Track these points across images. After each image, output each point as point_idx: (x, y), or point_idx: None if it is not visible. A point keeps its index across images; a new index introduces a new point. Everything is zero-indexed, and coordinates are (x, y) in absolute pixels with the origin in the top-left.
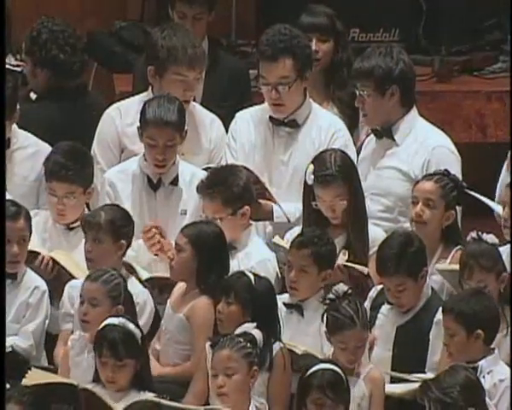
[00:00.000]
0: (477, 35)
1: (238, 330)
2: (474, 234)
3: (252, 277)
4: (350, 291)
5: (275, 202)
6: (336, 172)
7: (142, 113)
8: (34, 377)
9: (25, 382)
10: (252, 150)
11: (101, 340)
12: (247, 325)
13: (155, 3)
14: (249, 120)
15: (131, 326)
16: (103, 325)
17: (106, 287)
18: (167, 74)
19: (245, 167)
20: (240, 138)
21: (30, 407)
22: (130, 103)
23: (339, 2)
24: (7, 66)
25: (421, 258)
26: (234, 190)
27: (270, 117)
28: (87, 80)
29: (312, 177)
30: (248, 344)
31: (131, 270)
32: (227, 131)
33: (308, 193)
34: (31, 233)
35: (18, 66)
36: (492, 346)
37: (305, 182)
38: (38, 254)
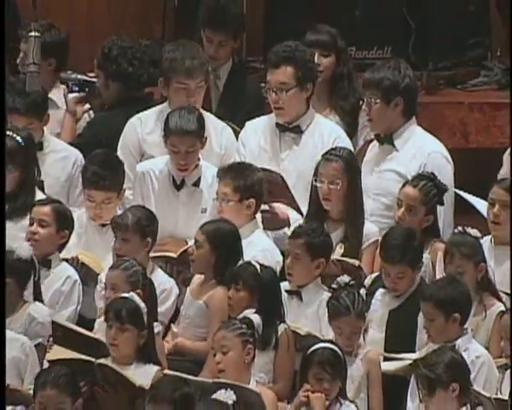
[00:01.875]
0: (460, 52)
1: (240, 316)
2: (460, 228)
3: (258, 266)
4: (351, 283)
5: (297, 207)
6: (340, 157)
7: (166, 123)
8: (56, 354)
9: (48, 356)
10: (260, 153)
11: (108, 307)
12: (247, 311)
13: (174, 24)
14: (258, 127)
15: (137, 299)
16: (114, 297)
17: (125, 273)
18: (171, 84)
19: (273, 171)
20: (249, 144)
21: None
22: (150, 113)
23: (338, 22)
24: (82, 77)
25: (421, 251)
26: (246, 181)
27: (277, 124)
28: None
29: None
30: (243, 326)
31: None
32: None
33: (314, 192)
34: (58, 226)
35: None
36: (471, 329)
37: (312, 182)
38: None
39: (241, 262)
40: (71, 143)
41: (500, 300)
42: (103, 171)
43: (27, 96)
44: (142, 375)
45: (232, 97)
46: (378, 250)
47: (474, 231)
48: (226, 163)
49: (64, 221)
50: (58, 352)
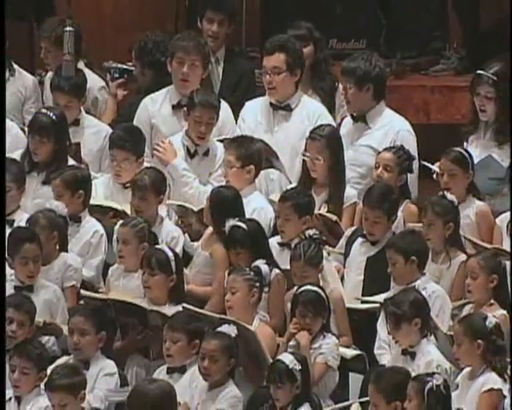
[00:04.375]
0: (423, 44)
1: (252, 265)
2: (440, 193)
3: (244, 225)
4: (315, 236)
5: (284, 173)
6: (322, 136)
7: (191, 98)
8: (116, 295)
9: (111, 296)
10: (257, 127)
11: (143, 257)
12: (259, 261)
13: (186, 19)
14: (255, 106)
15: (166, 250)
16: (148, 248)
17: (134, 229)
18: (173, 60)
19: (263, 142)
20: (248, 120)
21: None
22: (160, 93)
23: (322, 18)
24: (122, 66)
25: (396, 205)
26: (246, 150)
27: (270, 103)
28: None
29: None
30: (251, 273)
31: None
32: (237, 115)
33: (303, 164)
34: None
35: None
36: (435, 277)
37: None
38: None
39: (231, 223)
40: (114, 120)
41: (465, 253)
42: (125, 135)
43: (70, 79)
44: None
45: (230, 79)
46: (359, 207)
47: (450, 197)
48: (223, 133)
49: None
50: (118, 293)
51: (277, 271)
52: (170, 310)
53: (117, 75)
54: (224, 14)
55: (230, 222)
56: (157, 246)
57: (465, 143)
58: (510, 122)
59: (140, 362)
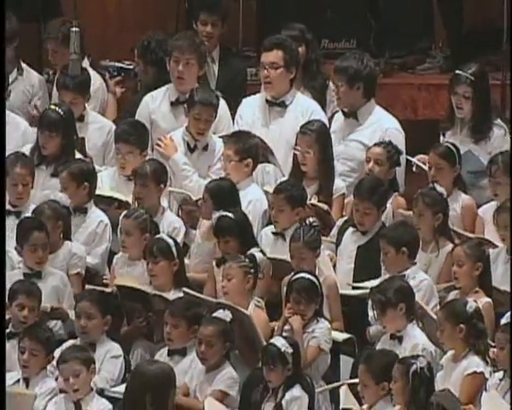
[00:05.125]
0: (411, 44)
1: (248, 253)
2: (431, 185)
3: (231, 215)
4: (314, 224)
5: (279, 167)
6: (312, 131)
7: (191, 96)
8: (121, 281)
9: (117, 282)
10: (254, 122)
11: (145, 247)
12: (254, 249)
13: (186, 20)
14: (252, 103)
15: (166, 238)
16: (149, 239)
17: (136, 221)
18: (171, 59)
19: (260, 139)
20: (245, 116)
21: (95, 303)
22: (159, 91)
23: (315, 20)
24: (119, 64)
25: (385, 197)
26: (244, 145)
27: (266, 100)
28: None
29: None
30: (247, 260)
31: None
32: (230, 110)
33: (295, 157)
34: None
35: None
36: (424, 265)
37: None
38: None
39: (218, 214)
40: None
41: (453, 242)
42: (130, 129)
43: (75, 77)
44: None
45: (225, 77)
46: (349, 199)
47: (440, 189)
48: (219, 128)
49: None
50: (123, 279)
51: (262, 257)
52: (174, 295)
53: (115, 73)
54: (216, 16)
55: (218, 213)
56: (157, 235)
57: (442, 138)
58: (510, 122)
59: (144, 345)
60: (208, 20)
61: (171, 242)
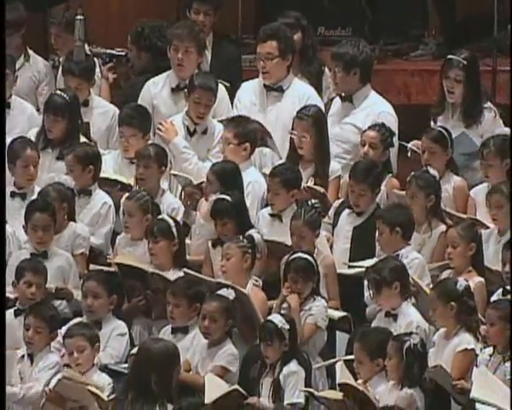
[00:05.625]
0: (404, 31)
1: (246, 234)
2: (424, 168)
3: (228, 197)
4: (316, 205)
5: (277, 151)
6: (308, 116)
7: (191, 80)
8: (121, 259)
9: (117, 260)
10: (252, 107)
11: (146, 228)
12: (252, 230)
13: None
14: (250, 87)
15: (167, 218)
16: (151, 220)
17: (138, 203)
18: (171, 47)
19: (259, 123)
20: (244, 100)
21: (102, 283)
22: (161, 77)
23: (312, 8)
24: (110, 51)
25: (380, 179)
26: (243, 129)
27: (264, 85)
28: None
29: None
30: (245, 241)
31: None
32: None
33: (291, 141)
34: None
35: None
36: (418, 245)
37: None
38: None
39: (215, 197)
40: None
41: (445, 223)
42: (133, 113)
43: (80, 63)
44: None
45: (218, 63)
46: (345, 180)
47: (433, 171)
48: (218, 113)
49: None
50: (123, 257)
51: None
52: (173, 275)
53: (107, 59)
54: (209, 5)
55: (214, 196)
56: (158, 216)
57: (432, 124)
58: (510, 115)
59: (143, 322)
60: (201, 9)
61: (171, 222)
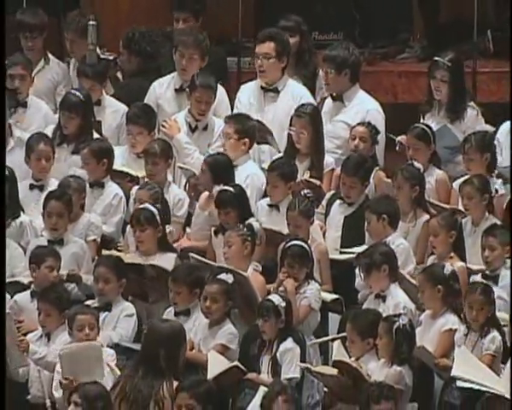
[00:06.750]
0: (391, 35)
1: (246, 222)
2: (409, 162)
3: (231, 188)
4: (309, 195)
5: (275, 145)
6: (306, 114)
7: (192, 80)
8: (128, 258)
9: (121, 255)
10: (250, 107)
11: (132, 216)
12: (251, 219)
13: None
14: (249, 88)
15: (150, 207)
16: (135, 208)
17: (149, 192)
18: (176, 52)
19: (260, 122)
20: (243, 100)
21: (111, 269)
22: (166, 78)
23: (307, 14)
24: (104, 56)
25: (369, 172)
26: (243, 125)
27: (261, 86)
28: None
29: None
30: (245, 229)
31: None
32: None
33: (289, 136)
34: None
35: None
36: (404, 233)
37: (288, 130)
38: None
39: (219, 188)
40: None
41: (429, 213)
42: (139, 112)
43: (94, 66)
44: (165, 261)
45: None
46: (336, 173)
47: (417, 164)
48: (218, 111)
49: (104, 155)
50: (129, 257)
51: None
52: (160, 259)
53: None
54: (185, 13)
55: (219, 187)
56: (141, 205)
57: (421, 119)
58: (511, 115)
59: (141, 306)
60: (179, 17)
61: (155, 211)
